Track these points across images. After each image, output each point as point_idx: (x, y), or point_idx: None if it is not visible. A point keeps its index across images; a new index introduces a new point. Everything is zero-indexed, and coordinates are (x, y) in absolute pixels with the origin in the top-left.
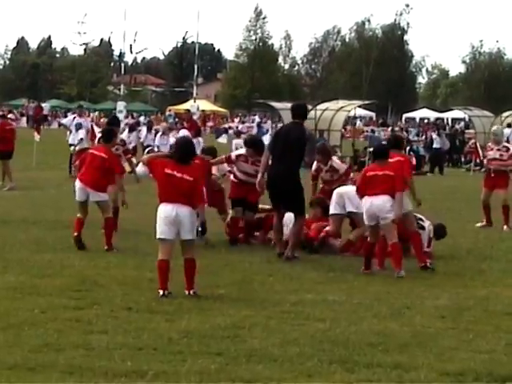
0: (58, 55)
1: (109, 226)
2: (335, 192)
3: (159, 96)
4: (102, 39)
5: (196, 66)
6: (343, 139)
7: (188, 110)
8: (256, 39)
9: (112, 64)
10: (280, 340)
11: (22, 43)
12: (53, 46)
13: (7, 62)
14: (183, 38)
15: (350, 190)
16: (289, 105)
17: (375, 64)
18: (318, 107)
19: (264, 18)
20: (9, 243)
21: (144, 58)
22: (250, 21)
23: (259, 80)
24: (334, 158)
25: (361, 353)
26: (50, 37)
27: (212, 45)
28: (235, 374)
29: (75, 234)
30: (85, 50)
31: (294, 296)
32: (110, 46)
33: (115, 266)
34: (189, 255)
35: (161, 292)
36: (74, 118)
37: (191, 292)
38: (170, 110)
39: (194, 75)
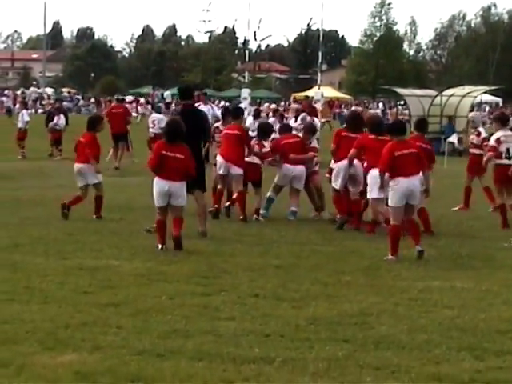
0: (182, 43)
1: (241, 199)
2: None
3: (283, 83)
4: (226, 27)
5: (320, 53)
6: (469, 125)
7: (307, 97)
8: (381, 25)
9: (236, 51)
10: (408, 327)
11: (147, 31)
12: (178, 33)
13: (133, 50)
14: (307, 24)
15: None
16: (414, 91)
17: (501, 49)
18: (444, 93)
19: (389, 4)
20: (135, 230)
21: (268, 45)
22: (374, 7)
23: (384, 66)
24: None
25: (490, 340)
26: (174, 25)
27: (336, 31)
28: (363, 360)
29: (215, 206)
30: (209, 37)
31: (422, 283)
32: (235, 33)
33: (241, 253)
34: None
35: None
36: (199, 105)
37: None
38: (294, 98)
39: (318, 62)
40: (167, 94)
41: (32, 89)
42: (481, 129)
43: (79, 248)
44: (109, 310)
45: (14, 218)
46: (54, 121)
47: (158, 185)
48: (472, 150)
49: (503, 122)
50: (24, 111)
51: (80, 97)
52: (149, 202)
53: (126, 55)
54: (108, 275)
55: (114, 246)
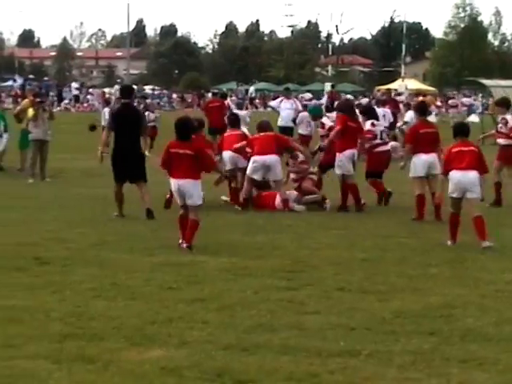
0: (265, 38)
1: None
2: None
3: (367, 76)
4: (309, 21)
5: (404, 45)
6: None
7: (387, 90)
8: (465, 16)
9: (319, 45)
10: (495, 319)
11: (230, 27)
12: (260, 29)
13: (216, 47)
14: (391, 17)
15: None
16: (500, 82)
17: None
18: None
19: None
20: (220, 225)
21: (351, 38)
22: None
23: (468, 57)
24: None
25: None
26: (257, 20)
27: (420, 23)
28: (449, 353)
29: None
30: (292, 32)
31: (509, 274)
32: (317, 27)
33: (327, 247)
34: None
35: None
36: (282, 100)
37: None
38: (378, 91)
39: (401, 54)
40: (252, 89)
41: (116, 87)
42: (508, 116)
43: (165, 244)
44: (195, 306)
45: (102, 216)
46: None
47: (172, 183)
48: (500, 141)
49: (508, 106)
50: (106, 109)
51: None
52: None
53: (210, 51)
54: (194, 271)
55: (199, 241)
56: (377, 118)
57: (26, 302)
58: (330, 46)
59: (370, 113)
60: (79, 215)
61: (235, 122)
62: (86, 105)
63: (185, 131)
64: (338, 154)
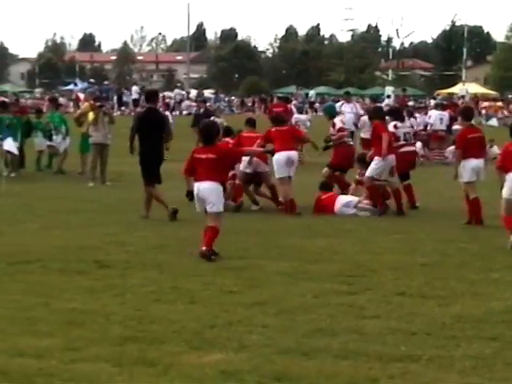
0: (325, 42)
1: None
2: None
3: (427, 80)
4: (369, 25)
5: (465, 49)
6: None
7: (449, 94)
8: None
9: (380, 49)
10: None
11: (290, 31)
12: (321, 33)
13: (276, 51)
14: (452, 20)
15: None
16: None
17: None
18: None
19: None
20: (279, 229)
21: (412, 42)
22: None
23: None
24: None
25: None
26: (318, 24)
27: (481, 27)
28: (511, 358)
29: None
30: (352, 36)
31: None
32: (378, 31)
33: (387, 252)
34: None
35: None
36: (342, 103)
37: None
38: (438, 95)
39: (462, 58)
40: (312, 93)
41: (176, 91)
42: None
43: (225, 248)
44: (254, 309)
45: (161, 219)
46: None
47: (195, 187)
48: None
49: None
50: (166, 113)
51: (222, 95)
52: (300, 200)
53: (270, 55)
54: (253, 274)
55: (259, 245)
56: (402, 119)
57: (86, 305)
58: (391, 49)
59: (395, 114)
60: (139, 219)
61: (252, 122)
62: None
63: (208, 136)
64: (377, 157)
